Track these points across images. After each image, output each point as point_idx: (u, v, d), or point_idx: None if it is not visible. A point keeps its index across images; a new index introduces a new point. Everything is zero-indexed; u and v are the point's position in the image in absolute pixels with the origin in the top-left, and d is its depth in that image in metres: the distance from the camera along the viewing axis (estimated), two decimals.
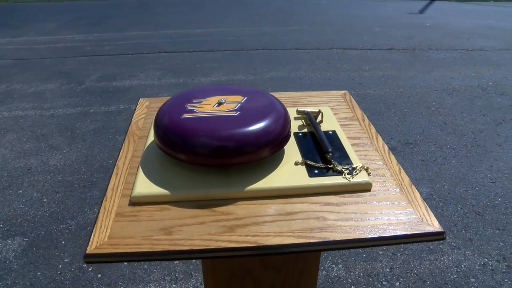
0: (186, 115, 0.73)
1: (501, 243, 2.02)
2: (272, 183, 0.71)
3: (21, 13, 7.23)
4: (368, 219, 0.66)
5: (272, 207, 0.69)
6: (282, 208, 0.68)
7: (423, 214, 0.68)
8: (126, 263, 1.97)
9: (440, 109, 3.42)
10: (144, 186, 0.71)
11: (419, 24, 6.27)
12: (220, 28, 5.97)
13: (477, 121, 3.22)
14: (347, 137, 0.88)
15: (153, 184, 0.71)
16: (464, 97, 3.66)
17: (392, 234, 0.63)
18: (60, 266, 1.96)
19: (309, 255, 0.85)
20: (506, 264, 1.90)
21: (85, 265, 1.96)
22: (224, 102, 0.78)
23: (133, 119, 0.97)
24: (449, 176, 2.52)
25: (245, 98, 0.80)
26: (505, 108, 3.45)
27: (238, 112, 0.74)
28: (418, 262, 1.93)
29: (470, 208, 2.26)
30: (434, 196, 2.34)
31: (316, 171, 0.73)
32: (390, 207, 0.69)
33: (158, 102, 1.04)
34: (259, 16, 6.70)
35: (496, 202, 2.31)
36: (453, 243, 2.02)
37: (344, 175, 0.72)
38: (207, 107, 0.76)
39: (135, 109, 1.01)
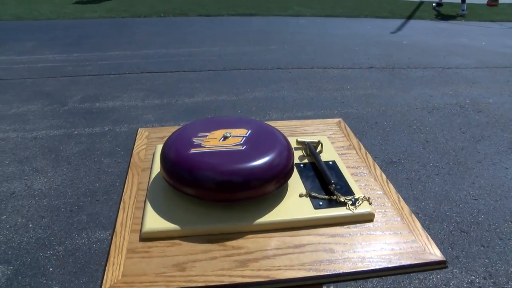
0: (194, 150, 0.75)
1: (486, 260, 2.07)
2: (280, 216, 0.73)
3: None
4: (374, 250, 0.69)
5: (281, 239, 0.71)
6: (290, 241, 0.70)
7: (425, 243, 0.71)
8: None
9: (421, 127, 3.51)
10: (154, 221, 0.72)
11: (397, 42, 6.44)
12: (201, 47, 6.01)
13: (457, 138, 3.32)
14: (346, 167, 0.91)
15: (162, 219, 0.73)
16: (444, 115, 3.77)
17: (398, 264, 0.66)
18: None
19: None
20: (493, 281, 1.95)
21: None
22: (230, 136, 0.80)
23: (134, 150, 0.98)
24: (434, 194, 2.58)
25: (249, 131, 0.82)
26: (483, 126, 3.56)
27: (244, 146, 0.77)
28: (407, 281, 1.96)
29: (455, 225, 2.31)
30: (420, 215, 2.39)
31: (321, 203, 0.76)
32: (393, 236, 0.72)
33: (157, 132, 1.05)
34: (239, 35, 6.77)
35: (479, 219, 2.37)
36: None
37: (348, 206, 0.75)
38: (214, 141, 0.79)
39: (135, 140, 1.02)
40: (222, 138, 0.80)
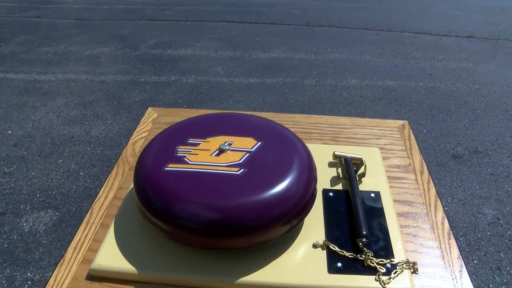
0: (171, 166, 0.54)
1: None
2: (275, 277, 0.51)
3: None
4: None
5: None
6: None
7: None
8: None
9: None
10: (109, 255, 0.54)
11: (508, 8, 5.63)
12: None
13: None
14: (395, 201, 0.65)
15: (120, 255, 0.54)
16: None
17: None
18: None
19: None
20: None
21: None
22: (228, 149, 0.58)
23: (132, 137, 0.79)
24: None
25: (259, 143, 0.59)
26: None
27: (242, 170, 0.54)
28: None
29: None
30: (501, 221, 2.04)
31: (340, 264, 0.53)
32: None
33: (167, 115, 0.86)
34: None
35: None
36: None
37: (378, 276, 0.51)
38: (204, 154, 0.57)
39: (139, 122, 0.84)
40: (217, 152, 0.58)
